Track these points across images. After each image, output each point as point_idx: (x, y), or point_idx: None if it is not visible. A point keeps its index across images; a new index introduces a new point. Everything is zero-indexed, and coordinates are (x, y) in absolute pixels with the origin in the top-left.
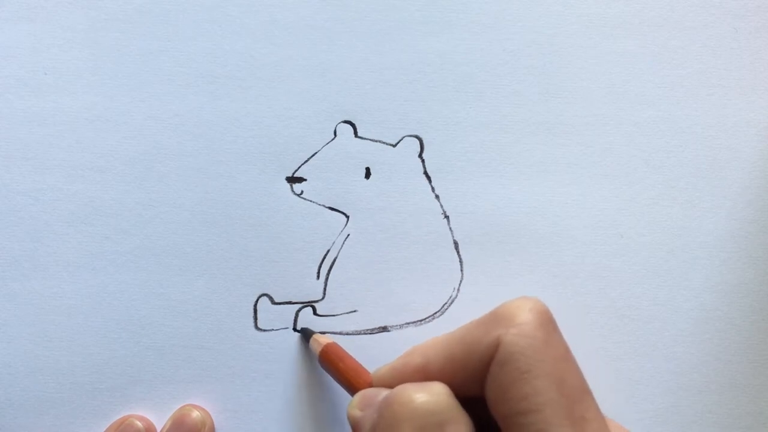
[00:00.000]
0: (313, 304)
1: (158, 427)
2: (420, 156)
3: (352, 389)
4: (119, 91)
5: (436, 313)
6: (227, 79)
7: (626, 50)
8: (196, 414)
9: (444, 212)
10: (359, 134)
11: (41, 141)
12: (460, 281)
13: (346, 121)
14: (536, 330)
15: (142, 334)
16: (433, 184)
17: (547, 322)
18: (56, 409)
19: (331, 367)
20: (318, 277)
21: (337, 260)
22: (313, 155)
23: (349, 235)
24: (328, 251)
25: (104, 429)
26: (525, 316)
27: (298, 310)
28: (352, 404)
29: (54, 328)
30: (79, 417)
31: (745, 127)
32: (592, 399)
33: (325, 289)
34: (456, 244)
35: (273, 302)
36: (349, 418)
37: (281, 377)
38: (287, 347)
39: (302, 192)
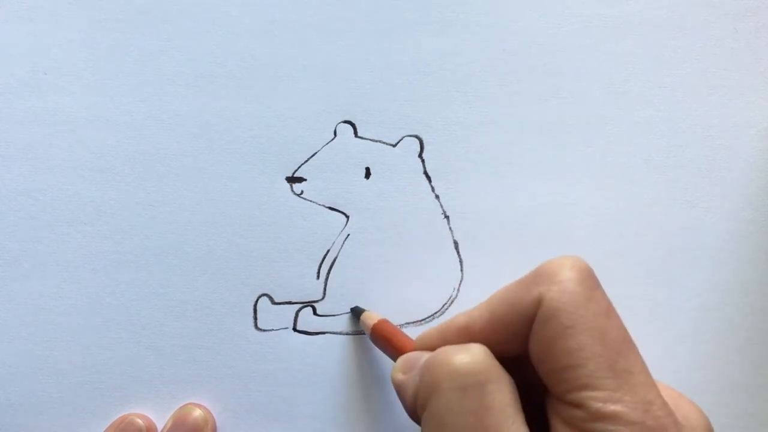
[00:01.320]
0: (313, 304)
1: (159, 427)
2: (420, 156)
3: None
4: (119, 91)
5: (436, 313)
6: (227, 79)
7: (626, 50)
8: (197, 412)
9: (444, 212)
10: (359, 134)
11: (41, 141)
12: (460, 281)
13: (346, 121)
14: (577, 286)
15: (142, 334)
16: (433, 184)
17: (588, 278)
18: (56, 409)
19: (381, 341)
20: (318, 277)
21: (337, 260)
22: (313, 155)
23: (349, 235)
24: (328, 251)
25: (104, 428)
26: (566, 273)
27: (298, 310)
28: (395, 368)
29: (54, 328)
30: (79, 417)
31: (745, 127)
32: (637, 352)
33: (325, 289)
34: (456, 244)
35: (273, 302)
36: (393, 381)
37: (281, 377)
38: (287, 347)
39: (302, 192)
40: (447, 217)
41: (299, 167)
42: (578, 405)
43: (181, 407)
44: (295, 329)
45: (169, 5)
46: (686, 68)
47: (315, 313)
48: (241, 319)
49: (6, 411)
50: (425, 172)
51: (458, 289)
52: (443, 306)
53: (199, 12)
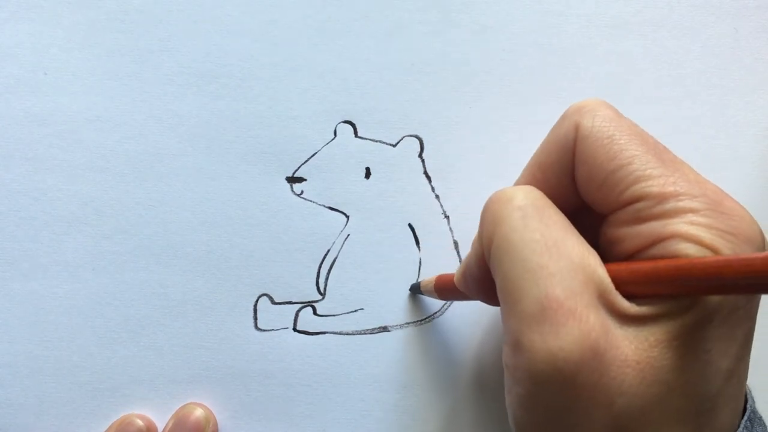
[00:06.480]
0: (313, 304)
1: (159, 427)
2: (420, 156)
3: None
4: (119, 91)
5: (436, 313)
6: (227, 79)
7: (626, 50)
8: (199, 412)
9: (444, 212)
10: (359, 134)
11: (41, 141)
12: None
13: (346, 121)
14: (608, 108)
15: (142, 334)
16: (433, 184)
17: (613, 106)
18: (56, 409)
19: (449, 287)
20: (318, 276)
21: (337, 260)
22: (313, 155)
23: (349, 235)
24: (328, 251)
25: (105, 429)
26: (594, 103)
27: (298, 310)
28: (456, 273)
29: (54, 328)
30: (79, 417)
31: (745, 127)
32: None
33: (325, 289)
34: (456, 244)
35: (273, 302)
36: (459, 277)
37: (281, 377)
38: (287, 347)
39: (302, 192)
40: (447, 217)
41: (299, 167)
42: (638, 198)
43: (182, 407)
44: (295, 329)
45: (169, 5)
46: (686, 68)
47: (315, 313)
48: (241, 319)
49: (6, 411)
50: (425, 172)
51: None
52: (443, 306)
53: (199, 12)
